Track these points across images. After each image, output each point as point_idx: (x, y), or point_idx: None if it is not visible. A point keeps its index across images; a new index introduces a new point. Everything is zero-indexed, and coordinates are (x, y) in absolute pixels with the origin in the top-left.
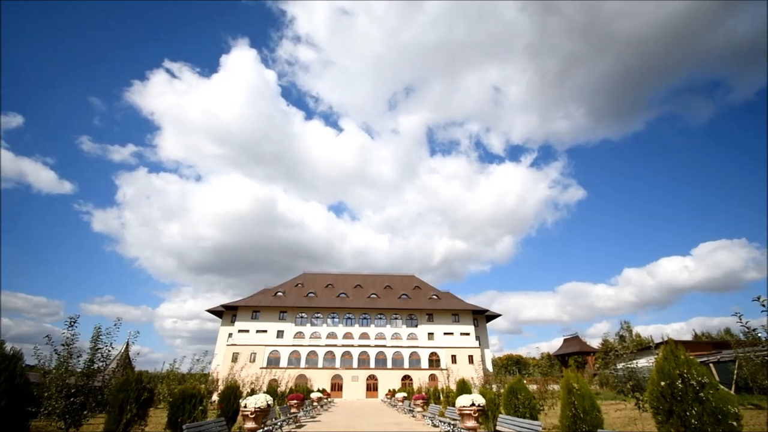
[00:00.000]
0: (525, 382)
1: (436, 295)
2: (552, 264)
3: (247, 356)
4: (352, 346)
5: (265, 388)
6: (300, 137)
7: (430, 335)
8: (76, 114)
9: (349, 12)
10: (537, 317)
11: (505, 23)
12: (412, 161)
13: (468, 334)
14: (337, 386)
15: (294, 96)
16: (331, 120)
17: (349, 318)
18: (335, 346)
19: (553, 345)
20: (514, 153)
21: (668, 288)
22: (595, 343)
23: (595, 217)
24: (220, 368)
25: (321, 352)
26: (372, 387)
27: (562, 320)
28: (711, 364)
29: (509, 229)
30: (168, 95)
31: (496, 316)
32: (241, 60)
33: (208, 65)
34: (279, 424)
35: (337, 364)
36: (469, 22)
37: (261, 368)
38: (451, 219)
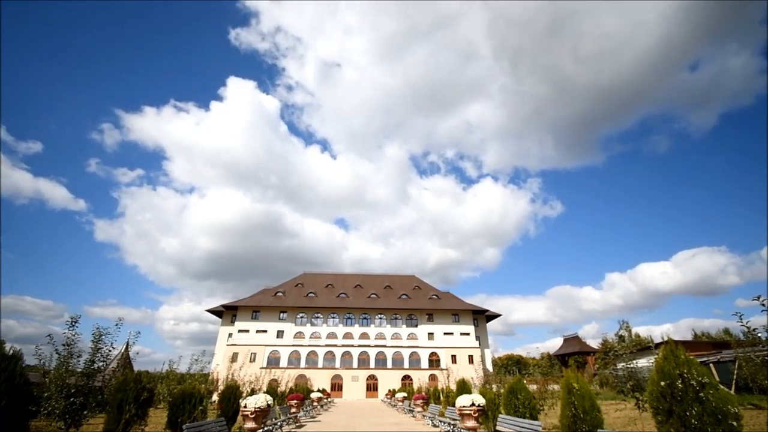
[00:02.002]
0: (525, 382)
1: (436, 295)
2: (538, 270)
3: (247, 356)
4: (352, 346)
5: (265, 388)
6: (299, 163)
7: (430, 335)
8: (87, 141)
9: (337, 63)
10: (528, 319)
11: (484, 68)
12: (403, 183)
13: (468, 334)
14: (337, 386)
15: (292, 128)
16: (327, 149)
17: (349, 318)
18: (335, 346)
19: (547, 346)
20: (487, 176)
21: (650, 292)
22: (592, 344)
23: (575, 227)
24: (219, 368)
25: (321, 352)
26: (372, 387)
27: (553, 322)
28: (711, 364)
29: (495, 239)
30: (174, 126)
31: (496, 316)
32: (242, 90)
33: (211, 98)
34: (279, 424)
35: (337, 364)
36: (453, 66)
37: (261, 368)
38: (441, 230)
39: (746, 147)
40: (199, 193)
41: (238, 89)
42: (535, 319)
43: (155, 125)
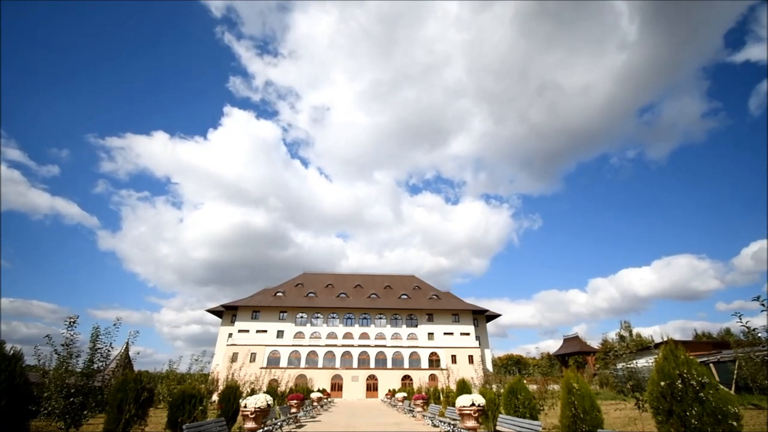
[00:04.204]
0: (525, 382)
1: (436, 295)
2: (524, 276)
3: (247, 356)
4: (352, 346)
5: (265, 388)
6: (298, 185)
7: (430, 335)
8: (97, 163)
9: (327, 107)
10: (519, 322)
11: (468, 104)
12: (397, 203)
13: (468, 334)
14: (337, 386)
15: (290, 155)
16: (323, 173)
17: (349, 318)
18: (335, 346)
19: (541, 347)
20: (466, 197)
21: (633, 296)
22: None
23: (557, 237)
24: (219, 368)
25: (321, 352)
26: (372, 387)
27: (543, 325)
28: (711, 364)
29: (480, 250)
30: (180, 150)
31: (496, 316)
32: (243, 118)
33: (213, 125)
34: (279, 424)
35: (337, 364)
36: (440, 104)
37: (261, 368)
38: (432, 241)
39: (699, 179)
40: (200, 208)
41: (240, 118)
42: (525, 322)
43: (163, 148)
